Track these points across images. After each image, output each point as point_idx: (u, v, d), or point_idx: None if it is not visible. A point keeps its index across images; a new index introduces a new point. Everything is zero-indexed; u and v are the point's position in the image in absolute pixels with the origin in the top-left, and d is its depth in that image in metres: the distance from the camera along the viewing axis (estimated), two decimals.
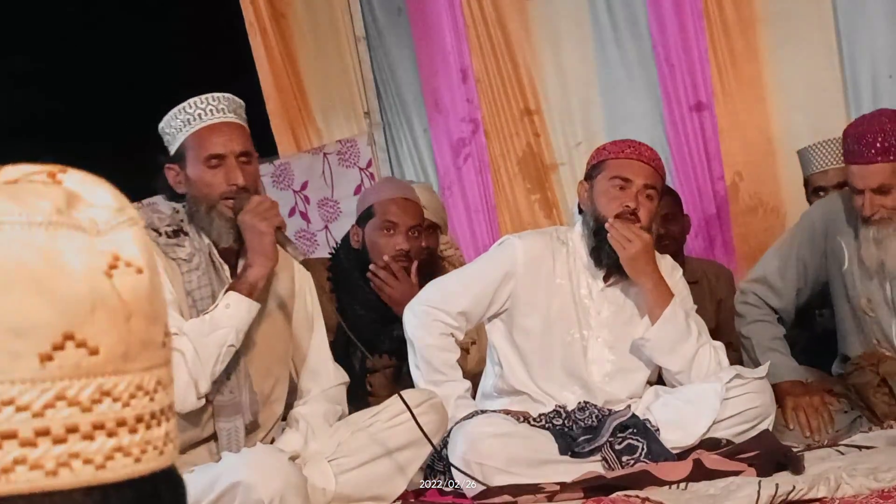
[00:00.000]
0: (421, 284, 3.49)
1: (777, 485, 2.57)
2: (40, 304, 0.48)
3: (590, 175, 3.31)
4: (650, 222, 3.24)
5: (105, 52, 6.24)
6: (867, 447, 3.03)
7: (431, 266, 3.81)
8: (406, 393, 2.91)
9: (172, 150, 2.85)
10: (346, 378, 3.11)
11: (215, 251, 2.83)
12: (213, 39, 5.95)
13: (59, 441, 0.48)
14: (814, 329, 3.89)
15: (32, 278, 0.48)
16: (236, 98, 2.90)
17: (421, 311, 3.27)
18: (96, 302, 0.49)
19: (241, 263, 2.83)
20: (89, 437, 0.49)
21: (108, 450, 0.49)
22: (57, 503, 0.47)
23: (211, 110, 2.82)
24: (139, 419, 0.51)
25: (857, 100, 4.58)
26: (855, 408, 3.44)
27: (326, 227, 5.12)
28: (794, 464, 2.82)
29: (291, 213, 5.18)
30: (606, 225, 3.19)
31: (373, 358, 3.44)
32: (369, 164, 5.22)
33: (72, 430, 0.48)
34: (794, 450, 3.01)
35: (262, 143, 5.23)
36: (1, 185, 0.51)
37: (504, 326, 3.33)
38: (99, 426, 0.49)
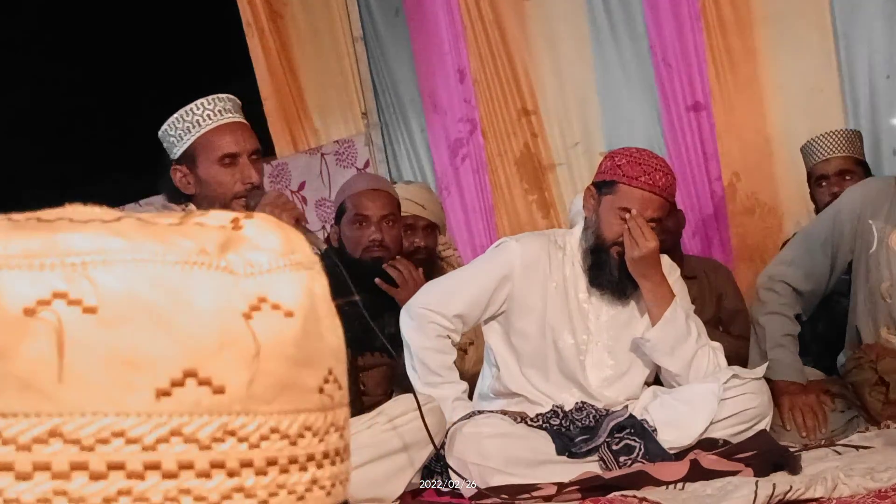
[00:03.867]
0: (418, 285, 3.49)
1: (774, 485, 2.57)
2: (158, 338, 0.48)
3: (600, 187, 3.27)
4: None
5: (103, 53, 6.24)
6: (864, 447, 3.03)
7: (430, 266, 3.81)
8: (402, 398, 2.91)
9: (178, 151, 2.92)
10: None
11: None
12: (211, 40, 5.95)
13: (169, 476, 0.47)
14: (835, 312, 3.85)
15: (152, 313, 0.48)
16: (235, 98, 2.97)
17: (417, 314, 3.27)
18: (225, 341, 0.49)
19: None
20: (205, 474, 0.48)
21: (225, 489, 0.49)
22: None
23: (219, 111, 2.91)
24: (271, 462, 0.50)
25: (854, 100, 4.58)
26: (852, 407, 3.45)
27: (324, 227, 5.12)
28: (791, 464, 2.82)
29: None
30: (627, 216, 3.18)
31: (364, 356, 3.45)
32: (367, 164, 5.23)
33: (185, 466, 0.48)
34: (791, 450, 3.01)
35: (259, 143, 5.25)
36: (163, 226, 0.52)
37: (501, 329, 3.33)
38: (217, 465, 0.49)
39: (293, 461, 0.51)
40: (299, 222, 2.85)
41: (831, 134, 4.12)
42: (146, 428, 0.47)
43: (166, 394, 0.48)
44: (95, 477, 0.46)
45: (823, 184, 4.09)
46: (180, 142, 2.91)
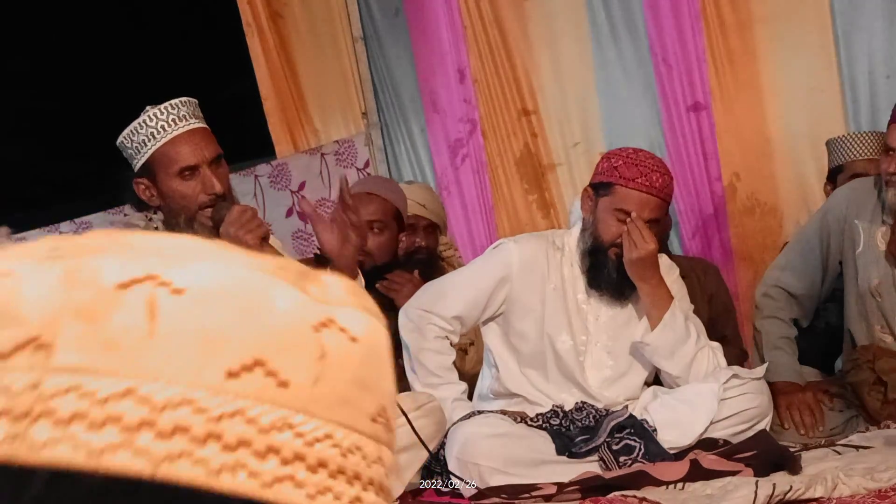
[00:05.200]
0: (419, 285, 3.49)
1: (774, 485, 2.58)
2: (237, 325, 0.51)
3: (597, 189, 3.27)
4: None
5: (102, 53, 6.24)
6: (864, 447, 3.04)
7: (430, 266, 3.81)
8: (404, 396, 2.91)
9: (138, 164, 2.83)
10: None
11: None
12: (211, 40, 5.96)
13: (228, 448, 0.49)
14: (816, 322, 3.85)
15: (236, 302, 0.51)
16: (192, 99, 2.86)
17: (415, 315, 3.27)
18: (295, 341, 0.52)
19: None
20: (261, 455, 0.50)
21: (279, 474, 0.50)
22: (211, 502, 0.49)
23: (174, 120, 2.78)
24: (322, 464, 0.51)
25: (854, 101, 4.58)
26: (851, 407, 3.45)
27: None
28: (791, 464, 2.82)
29: (289, 213, 5.18)
30: (627, 221, 3.16)
31: None
32: (367, 164, 5.23)
33: (244, 443, 0.50)
34: (791, 450, 3.02)
35: (259, 143, 5.25)
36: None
37: (500, 329, 3.33)
38: (273, 450, 0.50)
39: (342, 472, 0.52)
40: (265, 241, 2.76)
41: (873, 134, 4.01)
42: (213, 402, 0.50)
43: (235, 375, 0.50)
44: (161, 436, 0.49)
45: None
46: (138, 154, 2.82)
